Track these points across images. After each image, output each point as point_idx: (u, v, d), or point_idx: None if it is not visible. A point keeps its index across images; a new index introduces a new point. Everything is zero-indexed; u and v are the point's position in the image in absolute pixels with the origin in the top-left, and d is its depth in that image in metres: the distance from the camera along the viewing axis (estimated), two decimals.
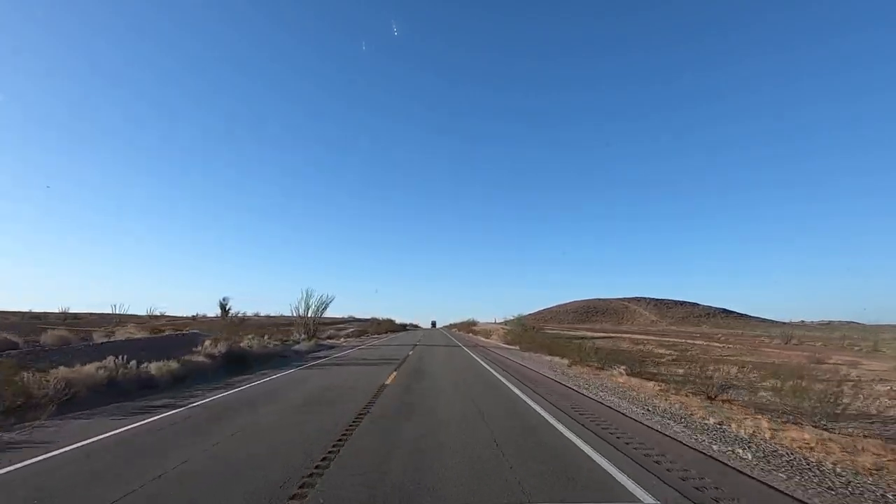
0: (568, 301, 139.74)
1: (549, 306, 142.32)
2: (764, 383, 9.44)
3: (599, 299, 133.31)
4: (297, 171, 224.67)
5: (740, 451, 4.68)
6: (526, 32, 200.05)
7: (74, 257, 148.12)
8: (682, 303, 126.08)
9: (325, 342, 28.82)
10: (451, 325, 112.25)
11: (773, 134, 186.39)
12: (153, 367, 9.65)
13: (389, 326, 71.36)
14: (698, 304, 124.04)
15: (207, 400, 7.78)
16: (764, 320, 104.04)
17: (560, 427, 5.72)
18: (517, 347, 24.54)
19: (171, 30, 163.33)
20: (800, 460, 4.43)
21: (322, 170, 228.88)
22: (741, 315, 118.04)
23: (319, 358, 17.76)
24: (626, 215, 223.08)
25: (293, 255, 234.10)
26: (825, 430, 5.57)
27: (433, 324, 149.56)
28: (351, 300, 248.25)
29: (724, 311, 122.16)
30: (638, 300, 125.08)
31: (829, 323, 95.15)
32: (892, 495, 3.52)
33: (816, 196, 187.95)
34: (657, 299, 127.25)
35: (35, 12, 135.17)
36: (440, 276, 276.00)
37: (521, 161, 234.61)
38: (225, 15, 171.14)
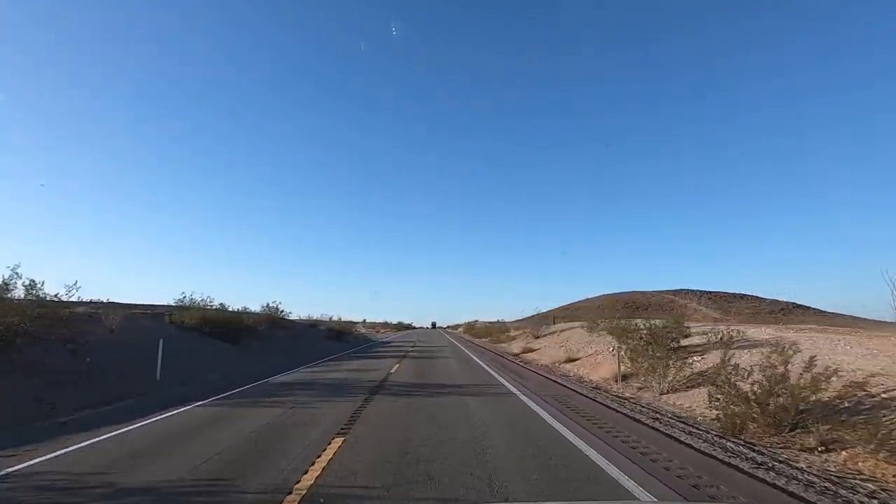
0: (595, 295, 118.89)
1: (572, 301, 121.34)
2: None
3: (637, 292, 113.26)
4: (297, 171, 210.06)
5: None
6: (532, 29, 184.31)
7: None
8: (743, 296, 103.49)
9: None
10: (463, 325, 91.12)
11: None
12: None
13: None
14: (762, 298, 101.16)
15: None
16: (831, 314, 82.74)
17: None
18: None
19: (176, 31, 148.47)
20: None
21: (321, 169, 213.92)
22: (818, 310, 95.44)
23: None
24: (627, 212, 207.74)
25: (296, 256, 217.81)
26: None
27: (433, 324, 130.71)
28: (352, 301, 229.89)
29: (796, 305, 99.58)
30: (686, 293, 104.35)
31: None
32: None
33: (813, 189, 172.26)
34: (710, 292, 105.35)
35: (36, 11, 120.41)
36: (440, 275, 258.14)
37: (527, 157, 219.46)
38: (225, 15, 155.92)
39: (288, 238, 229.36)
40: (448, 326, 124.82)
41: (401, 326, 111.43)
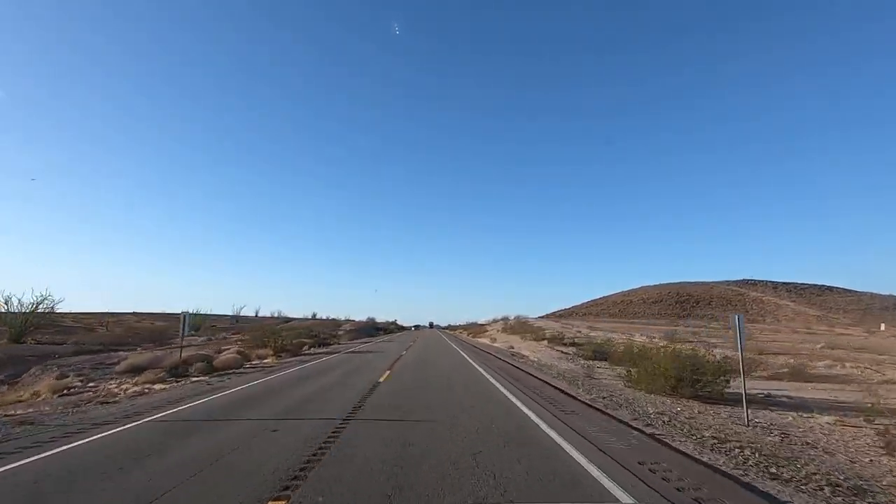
0: (635, 287, 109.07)
1: (605, 294, 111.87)
2: None
3: (691, 283, 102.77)
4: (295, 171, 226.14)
5: None
6: (545, 29, 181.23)
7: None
8: (831, 288, 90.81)
9: None
10: (497, 325, 60.97)
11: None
12: None
13: None
14: (856, 291, 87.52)
15: None
16: None
17: None
18: None
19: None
20: None
21: (321, 168, 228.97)
22: None
23: None
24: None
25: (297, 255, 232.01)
26: None
27: (430, 324, 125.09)
28: (352, 300, 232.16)
29: None
30: (754, 284, 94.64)
31: None
32: None
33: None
34: (786, 283, 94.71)
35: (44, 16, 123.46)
36: (442, 274, 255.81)
37: (538, 149, 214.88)
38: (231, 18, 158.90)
39: (288, 238, 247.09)
40: (459, 328, 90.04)
41: (372, 325, 64.92)
